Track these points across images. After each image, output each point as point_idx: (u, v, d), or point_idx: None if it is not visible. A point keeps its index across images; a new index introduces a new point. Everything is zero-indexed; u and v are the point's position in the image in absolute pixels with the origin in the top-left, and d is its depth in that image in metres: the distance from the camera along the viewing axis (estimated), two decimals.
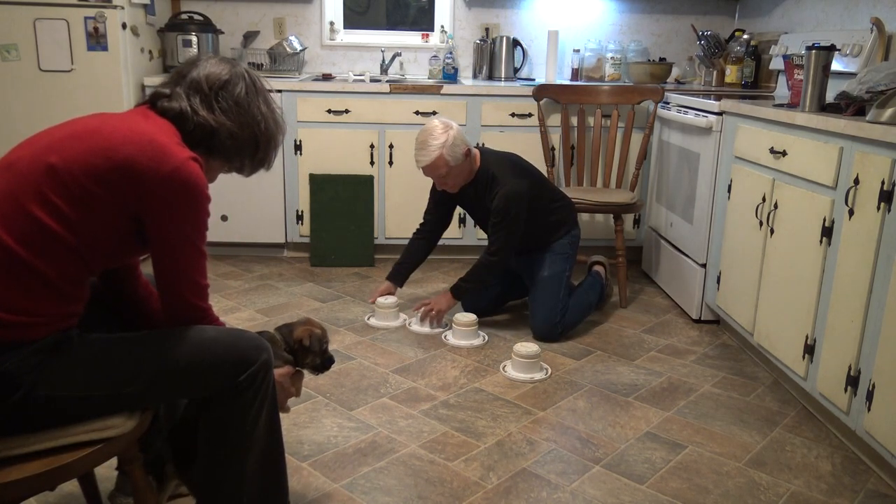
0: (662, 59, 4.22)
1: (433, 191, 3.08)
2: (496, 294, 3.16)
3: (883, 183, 1.95)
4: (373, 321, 3.05)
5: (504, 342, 2.89)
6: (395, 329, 3.00)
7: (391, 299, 3.04)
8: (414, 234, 3.17)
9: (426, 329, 2.96)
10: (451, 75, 4.05)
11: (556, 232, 2.98)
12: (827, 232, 2.22)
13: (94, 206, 1.32)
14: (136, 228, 1.38)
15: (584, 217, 3.74)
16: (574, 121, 3.69)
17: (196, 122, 1.45)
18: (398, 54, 4.18)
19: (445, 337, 2.91)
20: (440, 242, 3.82)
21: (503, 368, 2.66)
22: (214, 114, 1.47)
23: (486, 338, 2.92)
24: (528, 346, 2.63)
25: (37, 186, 1.29)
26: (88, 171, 1.30)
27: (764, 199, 2.59)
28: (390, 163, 3.73)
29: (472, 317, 2.89)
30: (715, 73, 4.04)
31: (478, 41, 4.17)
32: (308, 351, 1.76)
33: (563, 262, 2.95)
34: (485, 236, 3.20)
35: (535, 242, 2.97)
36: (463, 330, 2.86)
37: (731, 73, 3.94)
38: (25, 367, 1.28)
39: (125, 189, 1.32)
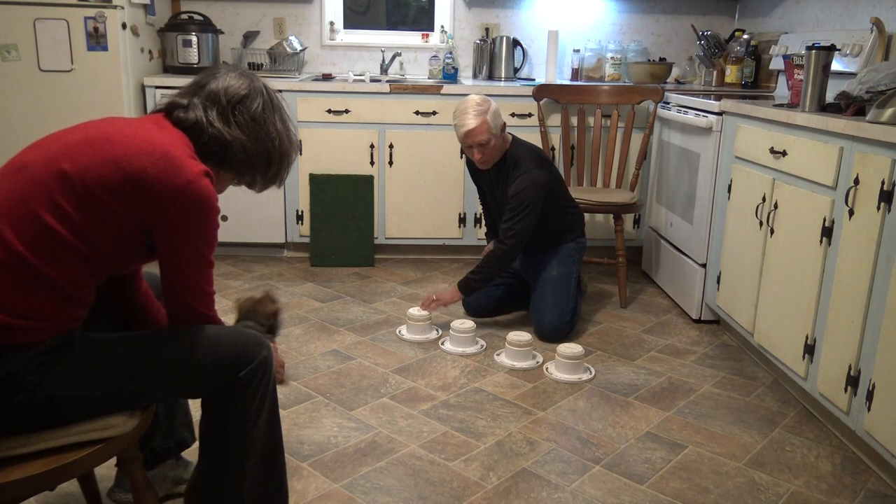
0: (662, 59, 4.22)
1: (481, 198, 3.12)
2: (501, 295, 3.15)
3: (883, 183, 1.95)
4: (405, 334, 2.91)
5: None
6: (430, 343, 2.87)
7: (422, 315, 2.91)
8: (491, 242, 3.12)
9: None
10: (451, 75, 4.05)
11: (566, 236, 2.99)
12: (827, 232, 2.22)
13: (104, 215, 1.32)
14: (145, 238, 1.38)
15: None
16: (574, 121, 3.69)
17: (210, 134, 1.46)
18: (398, 54, 4.18)
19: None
20: (440, 242, 3.85)
21: (546, 370, 2.65)
22: (230, 127, 1.48)
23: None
24: (571, 347, 2.61)
25: (48, 191, 1.29)
26: (100, 181, 1.30)
27: (764, 199, 2.59)
28: (390, 163, 3.73)
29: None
30: (715, 73, 4.04)
31: (478, 41, 4.17)
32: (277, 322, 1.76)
33: (571, 264, 2.95)
34: (484, 237, 3.21)
35: (543, 243, 2.97)
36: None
37: (731, 73, 3.94)
38: (28, 369, 1.28)
39: (136, 200, 1.32)
